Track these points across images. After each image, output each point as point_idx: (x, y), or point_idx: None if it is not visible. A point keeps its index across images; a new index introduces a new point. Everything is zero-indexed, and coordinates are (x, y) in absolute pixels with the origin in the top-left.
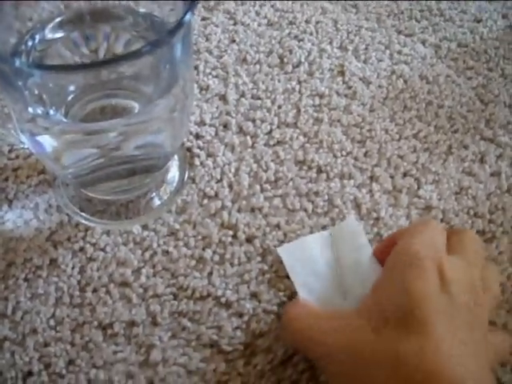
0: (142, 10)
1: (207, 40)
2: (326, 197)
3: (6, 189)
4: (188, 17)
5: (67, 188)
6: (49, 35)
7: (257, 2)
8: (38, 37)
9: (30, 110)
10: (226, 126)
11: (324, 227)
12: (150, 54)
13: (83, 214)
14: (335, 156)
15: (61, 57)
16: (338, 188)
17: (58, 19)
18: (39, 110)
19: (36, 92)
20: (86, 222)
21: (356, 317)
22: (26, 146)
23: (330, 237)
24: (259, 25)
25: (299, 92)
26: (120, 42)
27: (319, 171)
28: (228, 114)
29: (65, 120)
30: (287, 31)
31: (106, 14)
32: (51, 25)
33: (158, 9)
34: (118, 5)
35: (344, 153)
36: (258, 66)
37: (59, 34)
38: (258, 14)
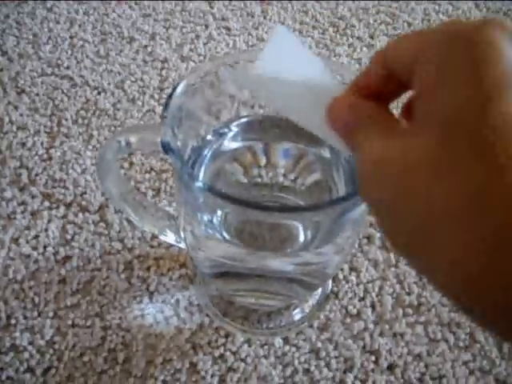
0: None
1: None
2: (468, 329)
3: (147, 279)
4: None
5: (209, 287)
6: (225, 144)
7: None
8: (214, 140)
9: (198, 214)
10: (369, 239)
11: (465, 363)
12: (340, 205)
13: (225, 318)
14: None
15: (233, 174)
16: None
17: (237, 129)
18: (205, 217)
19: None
20: (227, 327)
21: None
22: (181, 246)
23: None
24: None
25: None
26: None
27: None
28: (371, 225)
29: (227, 237)
30: None
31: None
32: (230, 134)
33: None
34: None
35: None
36: None
37: (235, 145)
38: None
